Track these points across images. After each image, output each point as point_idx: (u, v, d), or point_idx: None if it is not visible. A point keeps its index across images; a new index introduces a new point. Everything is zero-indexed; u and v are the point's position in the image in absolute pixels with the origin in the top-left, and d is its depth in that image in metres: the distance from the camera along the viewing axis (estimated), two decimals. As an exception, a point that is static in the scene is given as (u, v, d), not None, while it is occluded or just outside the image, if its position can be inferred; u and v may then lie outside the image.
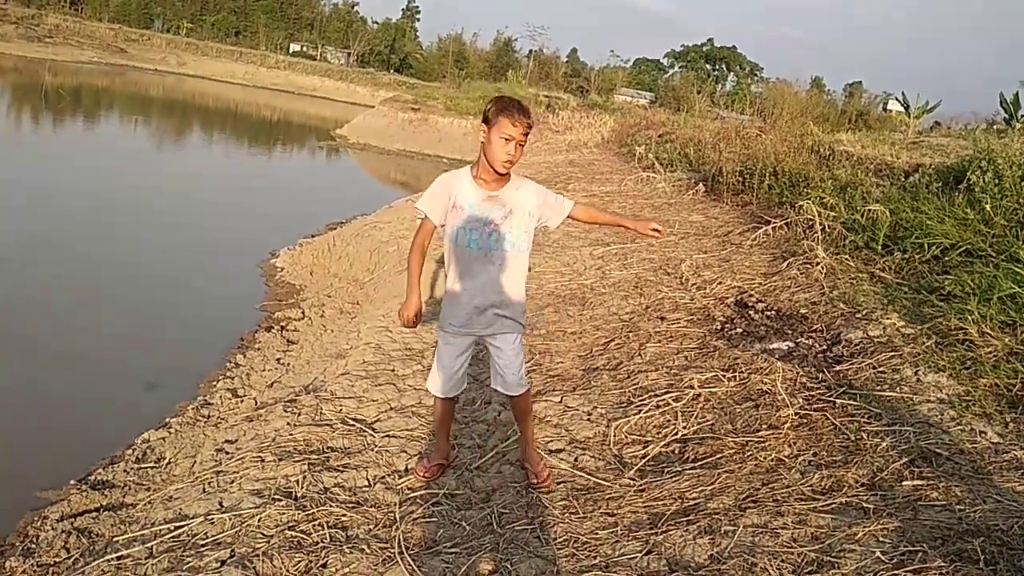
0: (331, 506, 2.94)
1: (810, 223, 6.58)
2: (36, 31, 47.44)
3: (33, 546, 3.59)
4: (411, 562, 2.54)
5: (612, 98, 38.35)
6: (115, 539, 3.14)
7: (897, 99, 18.02)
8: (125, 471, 4.18)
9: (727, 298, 5.48)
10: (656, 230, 3.10)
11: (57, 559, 3.43)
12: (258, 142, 26.33)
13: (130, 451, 4.49)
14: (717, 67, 78.97)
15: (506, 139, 2.82)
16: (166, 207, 12.25)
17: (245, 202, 14.26)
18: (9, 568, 3.44)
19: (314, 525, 2.80)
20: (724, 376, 4.00)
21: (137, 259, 9.06)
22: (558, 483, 3.15)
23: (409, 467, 3.34)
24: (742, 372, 4.04)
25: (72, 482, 4.18)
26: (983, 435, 3.17)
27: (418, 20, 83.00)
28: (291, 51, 68.85)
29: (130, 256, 9.13)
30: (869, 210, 6.27)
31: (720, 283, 5.77)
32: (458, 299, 2.99)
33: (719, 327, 4.91)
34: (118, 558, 2.83)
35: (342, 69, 61.35)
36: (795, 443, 3.30)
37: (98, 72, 41.22)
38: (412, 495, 3.08)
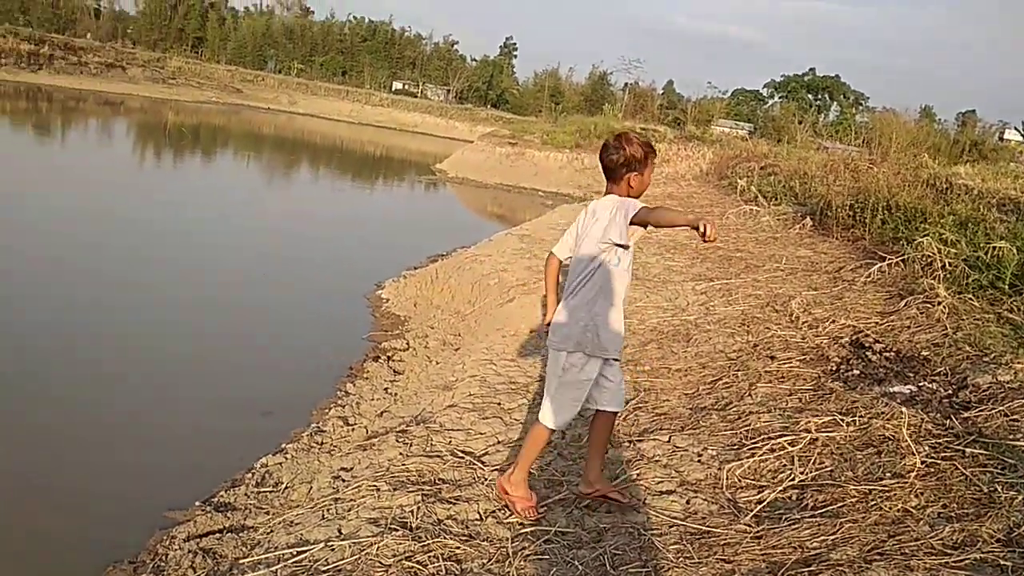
0: (445, 538, 2.99)
1: (929, 260, 6.30)
2: (161, 73, 51.16)
3: (162, 564, 3.79)
4: (526, 599, 2.56)
5: (710, 129, 37.87)
6: (239, 561, 3.29)
7: (1017, 128, 17.07)
8: (246, 494, 4.38)
9: (841, 337, 5.29)
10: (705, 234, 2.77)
11: (184, 577, 3.62)
12: (362, 177, 27.35)
13: (250, 475, 4.70)
14: (819, 97, 76.89)
15: (651, 172, 3.29)
16: (279, 240, 12.86)
17: (351, 234, 14.80)
18: (141, 584, 3.65)
19: (430, 556, 2.86)
20: (842, 420, 3.86)
21: (252, 290, 9.54)
22: (670, 527, 3.10)
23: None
24: (862, 416, 3.89)
25: (197, 503, 4.41)
26: None
27: (515, 56, 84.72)
28: (394, 89, 71.44)
29: (246, 287, 9.61)
30: (994, 247, 5.95)
31: (833, 321, 5.59)
32: (565, 315, 3.15)
33: (834, 368, 4.75)
34: (244, 579, 2.96)
35: (442, 105, 63.20)
36: (922, 493, 3.15)
37: (216, 111, 43.91)
38: (523, 531, 3.10)
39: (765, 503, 3.23)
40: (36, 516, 4.27)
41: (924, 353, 4.79)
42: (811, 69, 78.23)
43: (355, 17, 78.29)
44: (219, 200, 16.63)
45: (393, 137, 47.32)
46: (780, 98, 76.23)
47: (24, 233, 10.21)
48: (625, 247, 3.04)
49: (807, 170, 12.89)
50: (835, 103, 75.72)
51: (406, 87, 73.46)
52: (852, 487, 3.24)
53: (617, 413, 3.26)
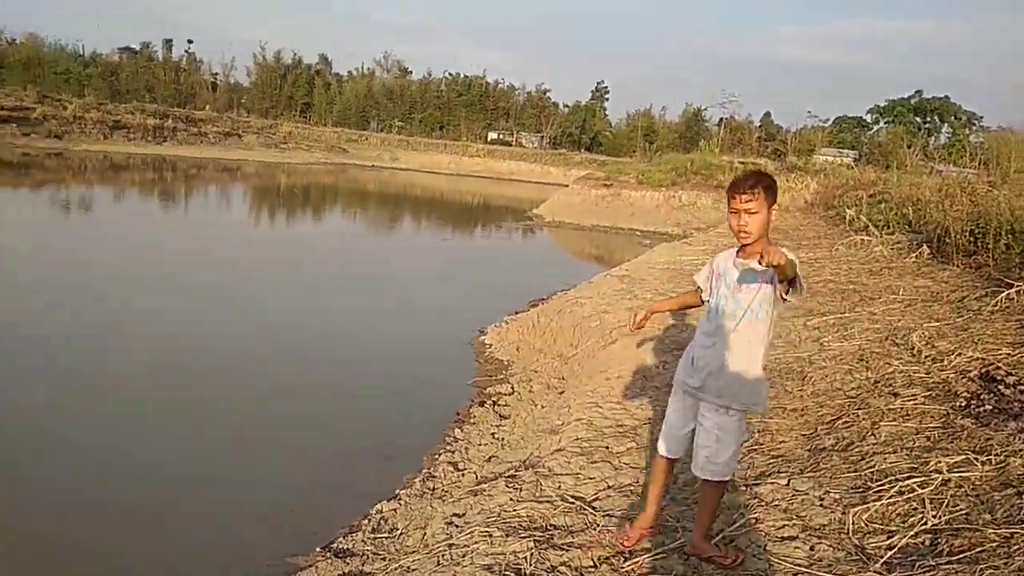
0: (560, 585, 2.97)
1: (1064, 286, 5.88)
2: (273, 139, 54.34)
3: (287, 608, 3.93)
4: (645, 648, 2.51)
5: (812, 159, 36.75)
6: (360, 605, 3.37)
7: None
8: (363, 540, 4.49)
9: (970, 371, 4.97)
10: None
11: (308, 622, 3.73)
12: (462, 226, 28.01)
13: (366, 521, 4.82)
14: (928, 119, 73.46)
15: (733, 213, 3.03)
16: (385, 290, 13.31)
17: (453, 282, 15.13)
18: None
19: (545, 603, 2.85)
20: (976, 459, 3.62)
21: (360, 339, 9.88)
22: (794, 574, 2.97)
23: (634, 552, 3.30)
24: (997, 454, 3.63)
25: (318, 549, 4.55)
26: None
27: (607, 99, 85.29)
28: (489, 139, 73.13)
29: (354, 336, 9.97)
30: None
31: (959, 354, 5.27)
32: (690, 356, 3.16)
33: (964, 404, 4.47)
34: (366, 624, 3.03)
35: (536, 152, 64.20)
36: (1074, 539, 2.90)
37: (324, 171, 46.15)
38: (639, 578, 3.04)
39: (896, 549, 3.05)
40: (164, 563, 4.50)
41: (1066, 385, 4.45)
42: (917, 91, 75.01)
43: (450, 73, 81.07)
44: (329, 254, 17.40)
45: (490, 186, 48.32)
46: (886, 123, 73.29)
47: (153, 287, 10.98)
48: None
49: (920, 196, 12.30)
50: (946, 124, 72.10)
51: (501, 136, 75.06)
52: (991, 531, 3.02)
53: (710, 482, 3.10)
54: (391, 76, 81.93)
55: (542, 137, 75.64)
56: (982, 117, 69.31)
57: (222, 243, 17.20)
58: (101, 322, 9.34)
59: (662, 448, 3.25)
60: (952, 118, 72.39)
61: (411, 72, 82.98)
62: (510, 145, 70.22)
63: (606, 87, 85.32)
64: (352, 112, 74.43)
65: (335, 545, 4.51)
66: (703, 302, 3.25)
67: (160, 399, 7.00)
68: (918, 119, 72.72)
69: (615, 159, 53.49)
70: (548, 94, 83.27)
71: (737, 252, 3.11)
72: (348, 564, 4.17)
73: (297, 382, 7.88)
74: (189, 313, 10.14)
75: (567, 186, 32.90)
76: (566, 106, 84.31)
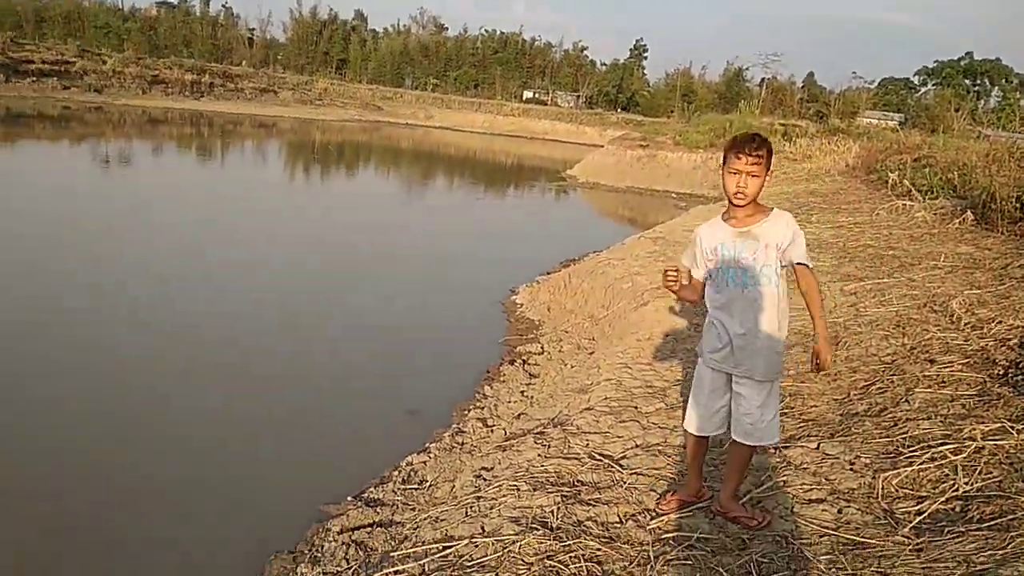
0: (586, 539, 3.01)
1: (1115, 254, 5.69)
2: (308, 95, 54.33)
3: (319, 555, 4.04)
4: (669, 603, 2.54)
5: (855, 122, 35.84)
6: (389, 554, 3.45)
7: None
8: (393, 491, 4.58)
9: (1010, 339, 4.87)
10: (818, 365, 2.92)
11: (339, 568, 3.84)
12: (495, 185, 27.89)
13: (396, 472, 4.91)
14: (978, 82, 71.02)
15: (734, 173, 2.91)
16: (418, 248, 13.37)
17: (486, 242, 15.14)
18: (300, 573, 3.90)
19: (571, 557, 2.89)
20: (1012, 428, 3.56)
21: (394, 297, 9.96)
22: (821, 536, 2.98)
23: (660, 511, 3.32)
24: (1035, 424, 3.57)
25: (349, 498, 4.66)
26: None
27: (645, 58, 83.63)
28: (524, 98, 72.35)
29: (388, 293, 10.05)
30: None
31: (1000, 322, 5.15)
32: (715, 331, 3.05)
33: (1002, 372, 4.39)
34: (395, 572, 3.10)
35: (572, 111, 63.39)
36: (1110, 510, 2.86)
37: (358, 128, 46.14)
38: (664, 536, 3.07)
39: (925, 514, 3.03)
40: (204, 512, 4.64)
41: (1110, 356, 4.34)
42: (968, 53, 72.47)
43: (487, 30, 79.96)
44: (363, 213, 17.48)
45: (524, 145, 47.95)
46: (933, 85, 71.08)
47: (190, 244, 11.16)
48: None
49: (966, 160, 11.93)
50: (996, 88, 69.66)
51: (537, 95, 74.19)
52: (1023, 499, 2.99)
53: (739, 443, 3.08)
54: (427, 32, 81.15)
55: (578, 96, 74.65)
56: (1035, 80, 66.77)
57: (258, 199, 17.35)
58: (130, 281, 9.53)
59: (695, 427, 3.14)
60: (1003, 81, 69.94)
61: (447, 28, 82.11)
62: (545, 104, 69.39)
63: (644, 45, 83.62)
64: (387, 69, 74.04)
65: (366, 495, 4.61)
66: (700, 280, 3.11)
67: (198, 356, 7.15)
68: (967, 82, 70.42)
69: (652, 119, 52.67)
70: (585, 52, 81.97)
71: (724, 216, 3.03)
72: (378, 513, 4.27)
73: (332, 339, 8.00)
74: (226, 271, 10.30)
75: (602, 147, 32.56)
76: (603, 64, 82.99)
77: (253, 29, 78.73)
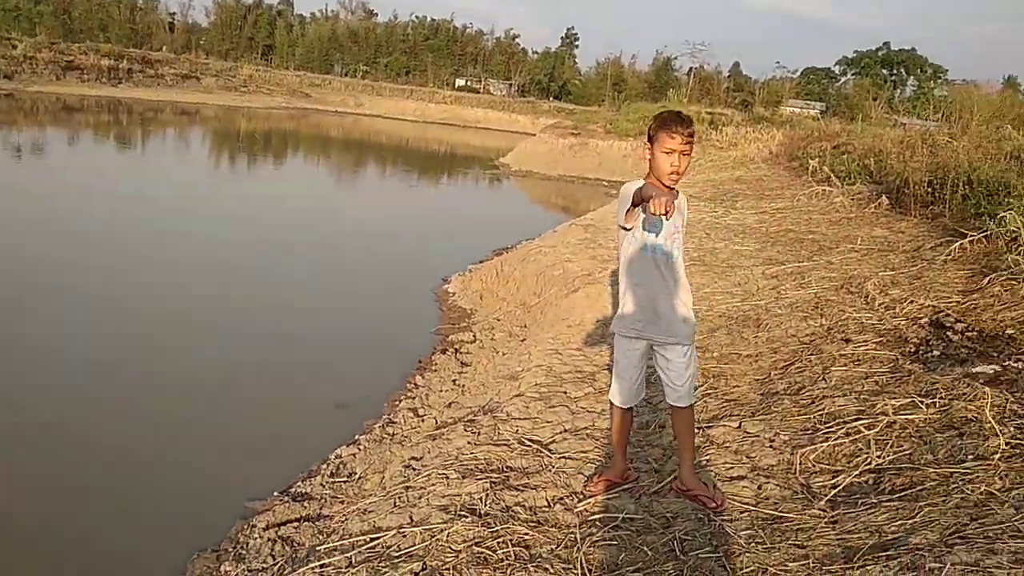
0: (514, 524, 3.02)
1: (1013, 235, 6.01)
2: (233, 81, 52.78)
3: (244, 552, 3.95)
4: (594, 584, 2.57)
5: (779, 111, 36.88)
6: (316, 548, 3.39)
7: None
8: (321, 484, 4.51)
9: (920, 318, 5.09)
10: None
11: (264, 565, 3.76)
12: (427, 174, 27.68)
13: (324, 466, 4.84)
14: (895, 72, 73.92)
15: (668, 152, 2.90)
16: (348, 238, 13.17)
17: (418, 231, 15.01)
18: (224, 572, 3.80)
19: (499, 542, 2.89)
20: (922, 402, 3.72)
21: (323, 287, 9.79)
22: (741, 512, 3.05)
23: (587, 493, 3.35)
24: (942, 398, 3.74)
25: (275, 494, 4.56)
26: None
27: (576, 47, 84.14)
28: (457, 85, 71.95)
29: (317, 284, 9.87)
30: (1087, 219, 5.63)
31: (911, 302, 5.38)
32: (635, 302, 3.08)
33: (913, 349, 4.58)
34: (320, 566, 3.05)
35: (504, 100, 63.37)
36: (1007, 475, 3.01)
37: (286, 116, 45.09)
38: (591, 518, 3.10)
39: (840, 488, 3.14)
40: (125, 510, 4.48)
41: (1009, 331, 4.57)
42: (885, 43, 75.34)
43: (417, 17, 79.18)
44: (288, 202, 17.09)
45: (457, 133, 47.71)
46: (853, 75, 73.61)
47: (103, 235, 10.72)
48: (625, 228, 3.02)
49: (882, 147, 12.40)
50: (912, 77, 72.66)
51: (469, 83, 73.90)
52: (932, 470, 3.12)
53: (680, 408, 3.15)
54: (355, 18, 79.78)
55: (511, 85, 74.65)
56: (947, 70, 69.89)
57: (181, 189, 16.78)
58: (44, 273, 9.11)
59: (620, 399, 3.21)
60: (918, 71, 72.95)
61: (376, 14, 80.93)
62: (478, 92, 69.19)
63: (576, 34, 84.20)
64: (315, 55, 72.57)
65: (293, 490, 4.53)
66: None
67: (119, 352, 6.89)
68: (885, 71, 73.19)
69: (584, 108, 53.14)
70: (517, 40, 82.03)
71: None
72: (306, 507, 4.19)
73: (259, 333, 7.81)
74: (144, 264, 9.94)
75: (535, 135, 32.62)
76: (535, 53, 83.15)
77: (174, 13, 76.22)
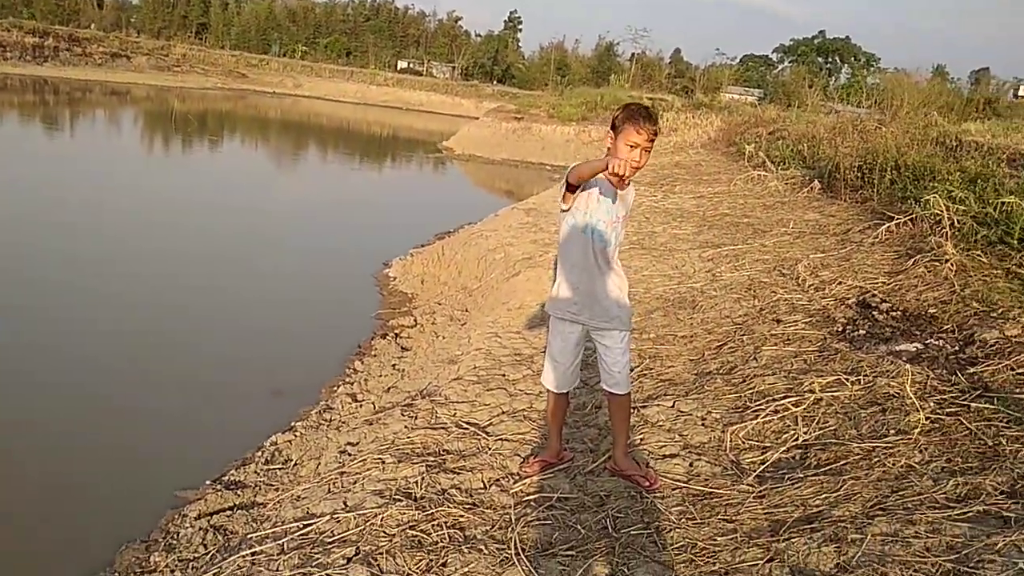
0: (449, 507, 3.01)
1: (937, 218, 6.22)
2: (165, 61, 51.03)
3: (174, 542, 3.86)
4: (527, 563, 2.58)
5: (718, 97, 37.44)
6: (249, 536, 3.33)
7: (1032, 83, 16.75)
8: (256, 472, 4.43)
9: (848, 299, 5.25)
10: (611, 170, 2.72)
11: (196, 554, 3.68)
12: (369, 157, 27.30)
13: (259, 453, 4.75)
14: (830, 60, 75.79)
15: (631, 146, 2.87)
16: (286, 223, 12.91)
17: (359, 215, 14.81)
18: (153, 563, 3.71)
19: (433, 525, 2.88)
20: (847, 380, 3.84)
21: (261, 273, 9.58)
22: (673, 489, 3.11)
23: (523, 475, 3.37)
24: (867, 375, 3.87)
25: (208, 482, 4.46)
26: None
27: (520, 31, 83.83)
28: (399, 68, 70.95)
29: (254, 271, 9.66)
30: (1003, 203, 5.86)
31: (840, 283, 5.54)
32: (569, 287, 3.08)
33: (840, 329, 4.72)
34: (252, 554, 2.99)
35: (447, 83, 62.76)
36: (927, 449, 3.13)
37: (221, 97, 43.87)
38: (526, 498, 3.12)
39: (768, 463, 3.22)
40: (51, 501, 4.33)
41: (931, 311, 4.75)
42: (821, 32, 77.18)
43: (357, -3, 77.66)
44: (225, 185, 16.66)
45: (399, 116, 47.14)
46: (790, 63, 75.18)
47: (30, 223, 10.28)
48: (564, 210, 3.05)
49: (815, 133, 12.72)
50: (846, 65, 74.62)
51: (411, 66, 72.94)
52: (856, 445, 3.23)
53: (616, 394, 3.17)
54: (294, -3, 77.80)
55: (453, 68, 73.99)
56: (880, 59, 72.01)
57: (111, 172, 16.19)
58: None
59: (554, 384, 3.21)
60: (852, 59, 74.90)
61: (316, -7, 78.95)
62: (420, 75, 68.38)
63: (519, 17, 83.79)
64: (252, 35, 70.54)
65: (226, 478, 4.44)
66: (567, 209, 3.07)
67: (46, 339, 6.63)
68: (820, 59, 74.91)
69: (527, 92, 52.98)
70: (460, 22, 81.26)
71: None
72: (239, 495, 4.12)
73: (189, 319, 7.61)
74: (75, 249, 9.57)
75: (478, 119, 32.45)
76: (479, 35, 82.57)
77: (102, -11, 72.91)
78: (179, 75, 48.91)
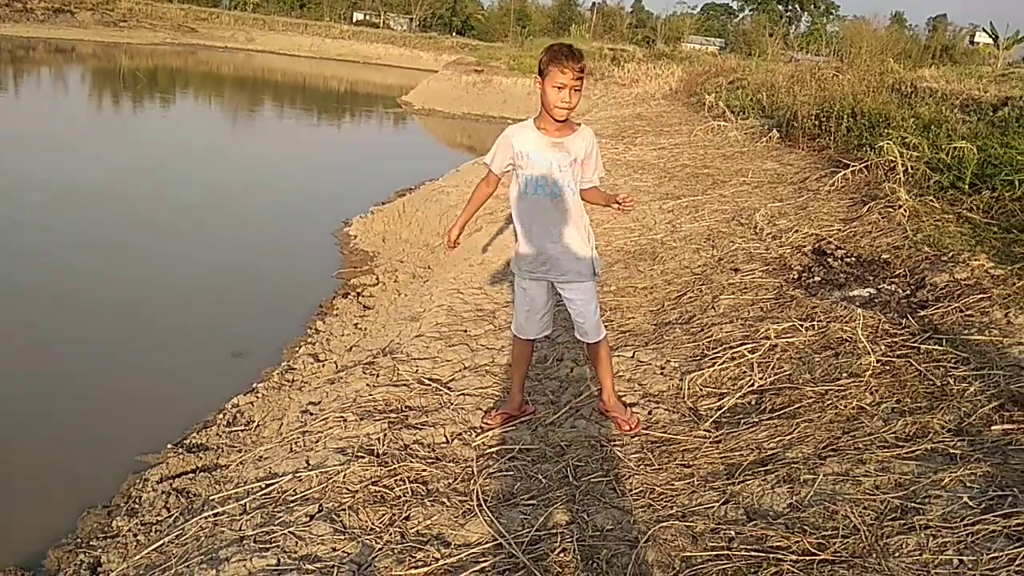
0: (411, 462, 3.03)
1: (892, 165, 6.31)
2: (111, 16, 49.05)
3: (136, 506, 3.84)
4: (489, 514, 2.61)
5: (680, 47, 37.27)
6: (211, 498, 3.32)
7: (985, 30, 16.96)
8: (218, 434, 4.40)
9: (804, 246, 5.32)
10: (620, 203, 3.05)
11: (159, 518, 3.67)
12: (327, 113, 26.75)
13: (221, 416, 4.72)
14: (790, 7, 75.64)
15: (558, 87, 2.88)
16: (244, 182, 12.65)
17: (318, 173, 14.55)
18: (116, 527, 3.69)
19: (396, 480, 2.90)
20: (802, 326, 3.91)
21: (220, 233, 9.41)
22: (632, 437, 3.16)
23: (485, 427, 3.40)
24: (821, 321, 3.94)
25: (169, 446, 4.43)
26: (1081, 377, 3.01)
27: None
28: (355, 20, 69.19)
29: (213, 230, 9.48)
30: (955, 148, 5.96)
31: (797, 231, 5.61)
32: (529, 244, 3.10)
33: (796, 276, 4.79)
34: (215, 515, 2.99)
35: (405, 35, 61.43)
36: (877, 391, 3.22)
37: (171, 53, 42.45)
38: (488, 451, 3.14)
39: (724, 409, 3.29)
40: (10, 469, 4.27)
41: (884, 256, 4.84)
42: (781, -21, 76.75)
43: (309, -55, 75.01)
44: (178, 146, 16.20)
45: (356, 71, 46.13)
46: (751, 11, 74.91)
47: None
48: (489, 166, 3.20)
49: (774, 82, 12.74)
50: (806, 13, 74.60)
51: (367, 18, 71.16)
52: (809, 389, 3.31)
53: (590, 343, 3.25)
54: (244, -52, 74.98)
55: (411, 19, 72.36)
56: (839, 6, 72.12)
57: (52, 136, 15.64)
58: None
59: (523, 332, 3.26)
60: (812, 6, 74.86)
61: (266, -57, 76.14)
62: (377, 27, 66.76)
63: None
64: (202, -13, 67.94)
65: (188, 440, 4.41)
66: (495, 187, 3.19)
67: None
68: (780, 7, 74.72)
69: (487, 44, 52.15)
70: (417, -28, 79.11)
71: (536, 124, 3.01)
72: (201, 458, 4.10)
73: (146, 280, 7.46)
74: (20, 218, 9.28)
75: (437, 72, 31.92)
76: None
77: (39, -61, 69.39)
78: (126, 31, 47.11)
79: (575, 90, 2.90)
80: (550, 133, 2.99)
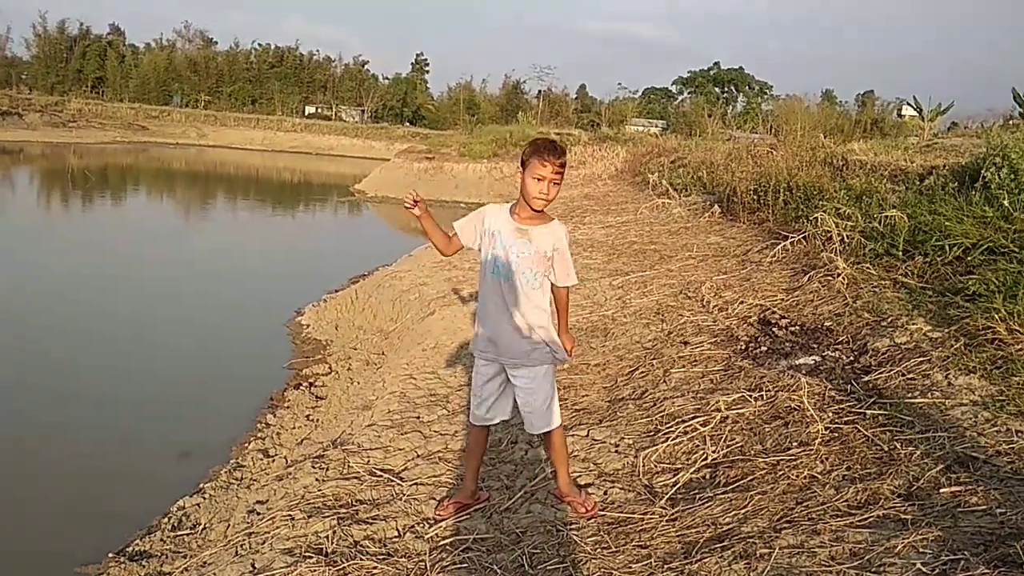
0: (362, 559, 2.92)
1: (828, 235, 6.53)
2: (60, 117, 49.03)
3: (75, 623, 3.61)
4: (443, 610, 2.52)
5: (623, 129, 38.55)
6: (152, 609, 3.15)
7: (909, 104, 17.94)
8: (162, 540, 4.20)
9: (750, 317, 5.42)
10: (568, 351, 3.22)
11: (99, 634, 3.45)
12: (280, 204, 26.82)
13: (166, 519, 4.51)
14: (726, 89, 79.21)
15: (538, 179, 2.98)
16: (194, 275, 12.49)
17: (270, 263, 14.47)
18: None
19: (345, 580, 2.78)
20: (751, 396, 3.94)
21: (168, 328, 9.21)
22: (589, 519, 3.11)
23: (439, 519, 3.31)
24: (769, 391, 3.98)
25: (111, 555, 4.20)
26: (1020, 435, 3.08)
27: (427, 72, 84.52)
28: (307, 113, 70.26)
29: (163, 325, 9.28)
30: (886, 216, 6.21)
31: (742, 302, 5.73)
32: (483, 324, 3.15)
33: (743, 347, 4.86)
34: (154, 628, 2.83)
35: (357, 126, 62.52)
36: (827, 459, 3.24)
37: (122, 151, 42.42)
38: (442, 542, 3.05)
39: (680, 485, 3.27)
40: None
41: (827, 324, 4.95)
42: (716, 63, 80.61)
43: (260, 44, 76.70)
44: (128, 240, 16.01)
45: (309, 162, 46.59)
46: (689, 94, 78.19)
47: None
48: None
49: (714, 160, 13.23)
50: (741, 94, 78.13)
51: (319, 110, 72.35)
52: (761, 460, 3.31)
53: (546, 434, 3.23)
54: (194, 47, 76.36)
55: (363, 111, 73.84)
56: (772, 86, 75.75)
57: (10, 231, 15.37)
58: None
59: (474, 417, 3.25)
60: (747, 88, 78.53)
61: (216, 43, 77.67)
62: (329, 119, 67.88)
63: (426, 59, 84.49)
64: (152, 86, 68.56)
65: (130, 548, 4.19)
66: (454, 252, 3.27)
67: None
68: (717, 89, 78.19)
69: (438, 132, 53.28)
70: (367, 66, 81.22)
71: (512, 208, 3.11)
72: (144, 566, 3.89)
73: (93, 377, 7.23)
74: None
75: (389, 160, 32.39)
76: (386, 78, 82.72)
77: (-11, 46, 69.84)
78: (75, 130, 47.01)
79: (554, 183, 3.00)
80: (521, 220, 3.07)
